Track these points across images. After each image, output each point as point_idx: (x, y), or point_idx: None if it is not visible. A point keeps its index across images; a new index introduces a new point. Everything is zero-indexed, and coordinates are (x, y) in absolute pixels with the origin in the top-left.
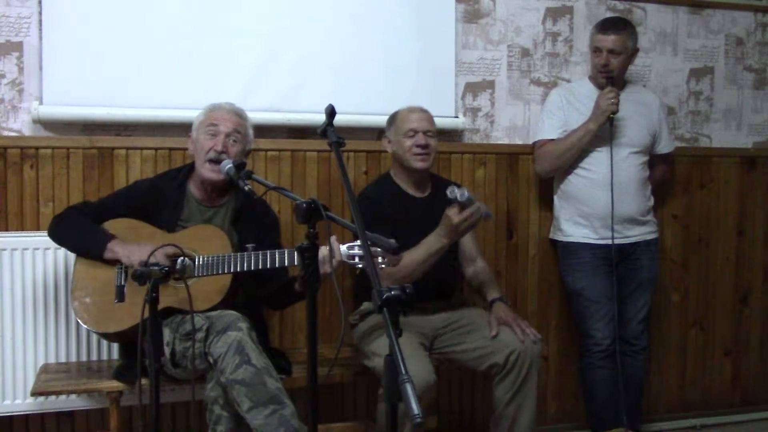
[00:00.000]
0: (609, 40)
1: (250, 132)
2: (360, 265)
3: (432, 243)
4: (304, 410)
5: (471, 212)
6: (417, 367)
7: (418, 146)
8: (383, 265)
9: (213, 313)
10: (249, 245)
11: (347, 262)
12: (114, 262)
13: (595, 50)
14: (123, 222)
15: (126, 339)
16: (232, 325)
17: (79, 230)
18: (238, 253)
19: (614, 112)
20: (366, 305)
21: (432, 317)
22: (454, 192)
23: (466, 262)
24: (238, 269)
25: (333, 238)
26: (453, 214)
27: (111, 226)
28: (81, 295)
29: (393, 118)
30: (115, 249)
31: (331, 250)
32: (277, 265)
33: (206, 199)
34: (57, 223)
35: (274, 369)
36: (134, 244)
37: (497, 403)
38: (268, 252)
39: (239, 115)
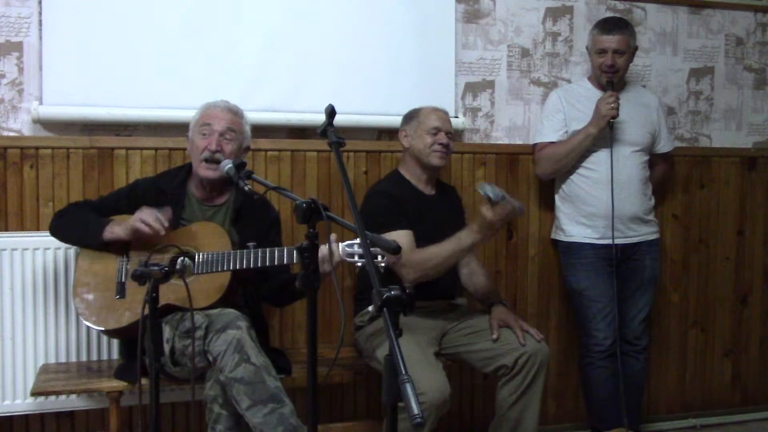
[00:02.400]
0: (614, 40)
1: (247, 129)
2: (359, 264)
3: (464, 238)
4: (304, 410)
5: (505, 209)
6: (432, 380)
7: (440, 144)
8: (383, 264)
9: (212, 312)
10: (250, 244)
11: (346, 260)
12: (116, 257)
13: (600, 51)
14: (124, 219)
15: (126, 335)
16: (231, 324)
17: (79, 221)
18: (237, 251)
19: (614, 117)
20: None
21: (439, 318)
22: (485, 189)
23: (460, 263)
24: (237, 267)
25: (333, 237)
26: (487, 211)
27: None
28: (82, 291)
29: (414, 114)
30: (114, 229)
31: (330, 249)
32: (276, 263)
33: (206, 199)
34: (58, 218)
35: (274, 368)
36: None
37: (500, 405)
38: (267, 249)
39: (234, 112)
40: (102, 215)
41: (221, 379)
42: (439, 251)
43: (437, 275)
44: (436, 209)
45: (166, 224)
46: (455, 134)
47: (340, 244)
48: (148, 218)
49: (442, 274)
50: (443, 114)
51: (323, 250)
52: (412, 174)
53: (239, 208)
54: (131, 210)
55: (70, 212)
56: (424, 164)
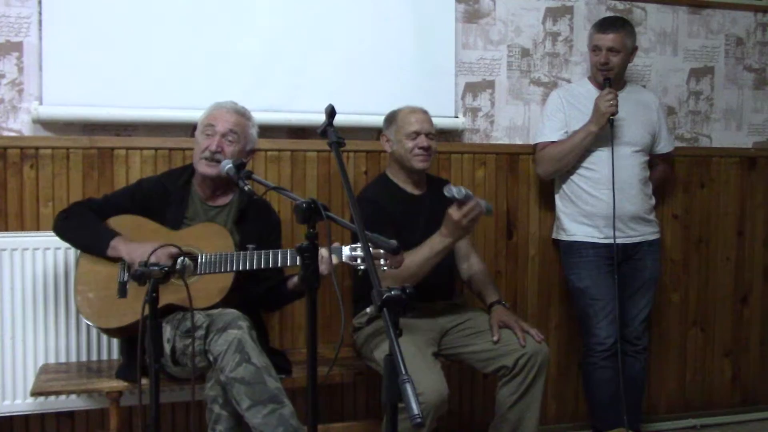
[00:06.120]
0: (608, 39)
1: (251, 131)
2: (362, 267)
3: (435, 243)
4: (304, 410)
5: (470, 207)
6: (430, 381)
7: (420, 148)
8: (385, 268)
9: (213, 311)
10: (250, 246)
11: (349, 263)
12: (117, 258)
13: (594, 49)
14: (128, 219)
15: (127, 334)
16: (232, 324)
17: (84, 227)
18: (242, 252)
19: (613, 114)
20: (372, 309)
21: (438, 318)
22: (450, 190)
23: (460, 260)
24: (241, 268)
25: (336, 244)
26: (453, 212)
27: (116, 222)
28: (84, 289)
29: (393, 118)
30: (119, 247)
31: (329, 252)
32: (279, 265)
33: (210, 198)
34: (62, 219)
35: (274, 368)
36: (136, 243)
37: (500, 406)
38: (271, 252)
39: (240, 113)
40: (106, 215)
41: (222, 379)
42: (414, 260)
43: (417, 282)
44: (425, 209)
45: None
46: (455, 134)
47: (344, 247)
48: None
49: (422, 279)
50: (421, 115)
51: (323, 251)
52: (399, 177)
53: (242, 209)
54: (135, 209)
55: (75, 214)
56: (408, 169)
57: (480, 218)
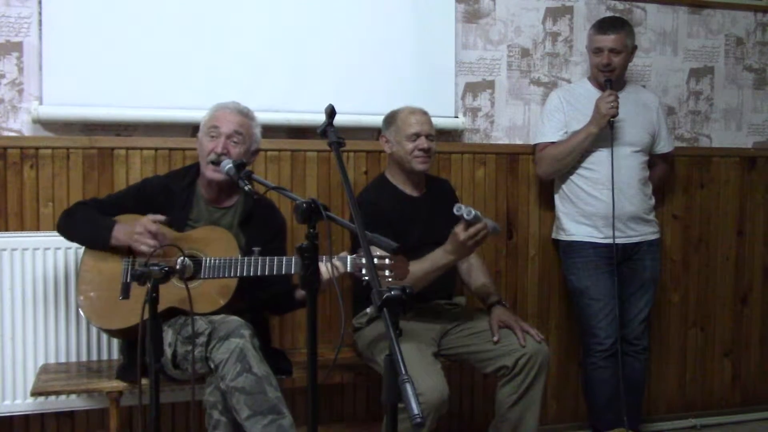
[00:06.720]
0: (609, 40)
1: (256, 132)
2: (366, 278)
3: (438, 258)
4: (304, 411)
5: (477, 229)
6: (430, 381)
7: (420, 150)
8: (390, 279)
9: (216, 318)
10: (255, 249)
11: (355, 273)
12: (121, 257)
13: (596, 50)
14: (131, 219)
15: (129, 336)
16: (234, 332)
17: (85, 222)
18: (246, 258)
19: (614, 116)
20: (372, 309)
21: (438, 318)
22: (460, 209)
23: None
24: (245, 273)
25: (344, 254)
26: (459, 231)
27: (119, 221)
28: (86, 289)
29: (392, 119)
30: (119, 236)
31: (330, 266)
32: (284, 272)
33: (215, 200)
34: (65, 217)
35: (275, 374)
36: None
37: (500, 406)
38: (275, 258)
39: (244, 114)
40: (109, 215)
41: (222, 387)
42: (414, 271)
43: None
44: (425, 210)
45: (157, 242)
46: (455, 134)
47: (349, 257)
48: (147, 243)
49: (420, 290)
50: (421, 116)
51: (325, 266)
52: (398, 179)
53: (248, 211)
54: (139, 209)
55: (77, 212)
56: (408, 170)
57: (486, 238)
